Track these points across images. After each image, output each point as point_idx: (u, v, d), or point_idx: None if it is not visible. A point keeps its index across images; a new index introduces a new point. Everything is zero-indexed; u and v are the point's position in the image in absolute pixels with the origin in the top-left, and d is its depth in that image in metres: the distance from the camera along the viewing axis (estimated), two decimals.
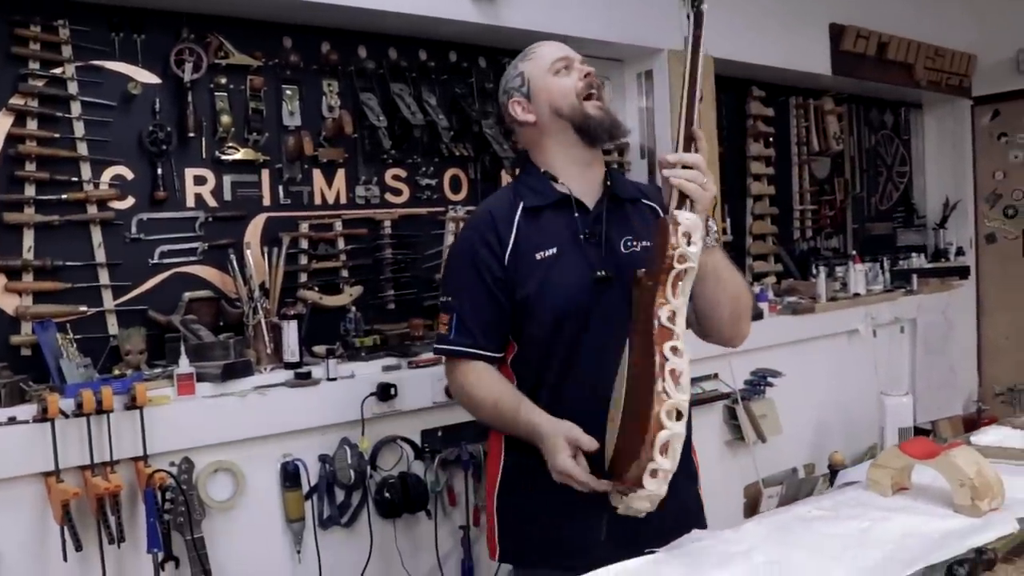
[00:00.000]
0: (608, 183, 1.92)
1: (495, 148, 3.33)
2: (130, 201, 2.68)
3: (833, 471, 2.47)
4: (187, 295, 2.73)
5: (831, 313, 4.34)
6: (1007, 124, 5.63)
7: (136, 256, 2.68)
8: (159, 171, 2.71)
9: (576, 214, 1.86)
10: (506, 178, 3.51)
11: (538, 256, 1.82)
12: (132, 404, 2.28)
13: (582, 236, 1.84)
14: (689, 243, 1.54)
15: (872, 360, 4.57)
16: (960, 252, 5.62)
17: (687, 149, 1.66)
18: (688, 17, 1.71)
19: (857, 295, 4.58)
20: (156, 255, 2.72)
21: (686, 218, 1.56)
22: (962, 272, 5.44)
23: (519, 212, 1.86)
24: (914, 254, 5.38)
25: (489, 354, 1.87)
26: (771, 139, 4.71)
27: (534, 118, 1.91)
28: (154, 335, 2.63)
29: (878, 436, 4.24)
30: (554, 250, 1.82)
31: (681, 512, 1.78)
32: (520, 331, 1.87)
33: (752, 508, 3.73)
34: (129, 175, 2.68)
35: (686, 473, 1.81)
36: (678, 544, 1.49)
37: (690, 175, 1.62)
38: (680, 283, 1.54)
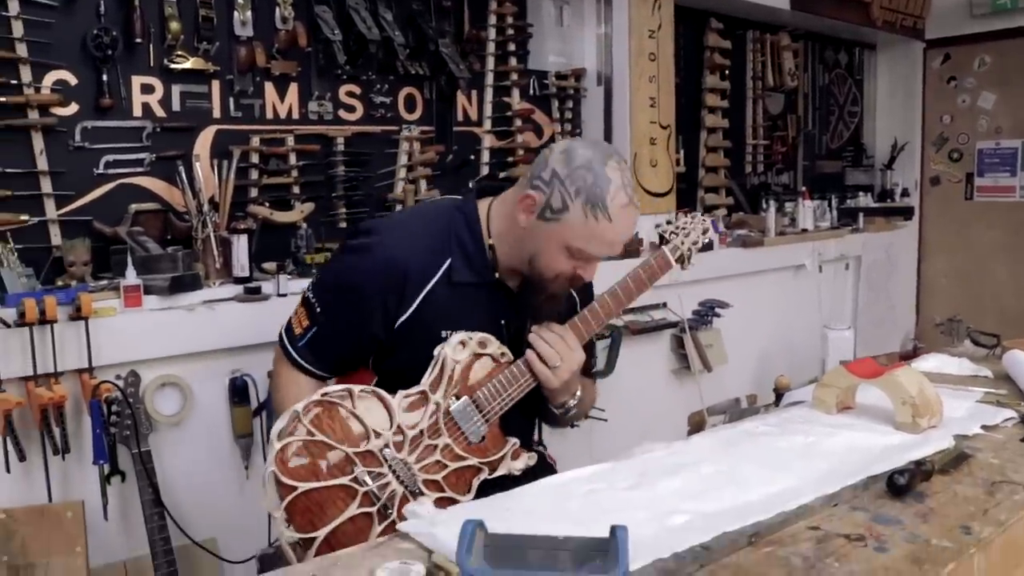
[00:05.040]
0: None
1: (451, 68, 3.26)
2: (74, 108, 2.57)
3: (779, 393, 2.53)
4: (134, 207, 2.64)
5: (779, 247, 4.42)
6: (957, 68, 5.69)
7: (80, 165, 2.58)
8: (104, 77, 2.60)
9: (503, 298, 1.77)
10: (461, 98, 3.46)
11: (444, 335, 1.68)
12: (77, 315, 2.24)
13: (503, 322, 1.76)
14: None
15: (817, 295, 4.67)
16: (905, 193, 5.73)
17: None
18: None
19: (805, 231, 4.66)
20: (101, 165, 2.62)
21: None
22: (906, 213, 5.55)
23: (439, 274, 1.69)
24: (861, 193, 5.49)
25: (320, 374, 1.75)
26: (727, 72, 4.70)
27: (524, 226, 1.66)
28: (99, 247, 2.55)
29: (819, 369, 4.35)
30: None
31: None
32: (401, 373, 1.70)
33: None
34: (72, 80, 2.56)
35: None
36: (630, 455, 1.51)
37: (546, 352, 1.67)
38: None
